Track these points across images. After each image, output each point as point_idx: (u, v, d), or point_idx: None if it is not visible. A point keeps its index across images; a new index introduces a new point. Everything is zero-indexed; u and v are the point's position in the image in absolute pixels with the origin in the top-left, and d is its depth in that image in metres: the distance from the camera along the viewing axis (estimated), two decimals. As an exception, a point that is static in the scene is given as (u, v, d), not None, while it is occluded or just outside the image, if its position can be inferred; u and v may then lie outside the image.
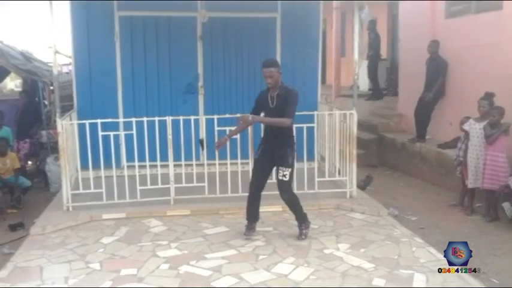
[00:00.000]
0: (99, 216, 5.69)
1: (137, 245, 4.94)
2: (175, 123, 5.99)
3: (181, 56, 7.48)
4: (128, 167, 6.14)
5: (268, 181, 5.12)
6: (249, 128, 5.80)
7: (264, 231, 5.26)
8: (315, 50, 7.73)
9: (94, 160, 5.94)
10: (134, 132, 5.90)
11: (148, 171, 5.98)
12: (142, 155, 6.02)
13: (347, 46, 14.42)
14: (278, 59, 7.53)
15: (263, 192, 5.09)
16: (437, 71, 8.18)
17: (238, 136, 5.91)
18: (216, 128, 6.04)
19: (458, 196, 6.69)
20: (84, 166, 6.11)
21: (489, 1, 7.35)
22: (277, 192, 4.98)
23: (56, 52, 6.09)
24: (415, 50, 8.93)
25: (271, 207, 5.74)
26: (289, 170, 4.87)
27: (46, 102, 10.56)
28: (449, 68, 8.19)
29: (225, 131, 5.97)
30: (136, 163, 6.04)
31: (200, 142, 6.41)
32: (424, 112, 8.42)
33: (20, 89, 11.18)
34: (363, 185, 7.29)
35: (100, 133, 5.85)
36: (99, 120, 5.88)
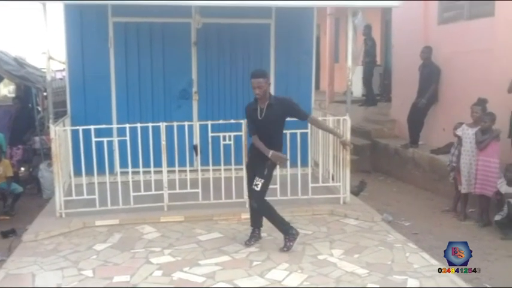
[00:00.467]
0: (92, 223, 5.66)
1: (130, 251, 4.92)
2: (169, 129, 5.98)
3: (175, 61, 7.48)
4: (121, 173, 6.12)
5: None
6: (243, 135, 5.82)
7: (257, 237, 5.25)
8: (308, 56, 7.75)
9: (87, 166, 5.91)
10: (128, 138, 5.89)
11: (141, 177, 5.96)
12: (136, 161, 6.00)
13: (341, 52, 14.48)
14: (272, 64, 7.60)
15: None
16: (430, 77, 8.22)
17: (232, 142, 5.92)
18: (210, 134, 6.04)
19: (452, 202, 6.72)
20: (77, 172, 6.09)
21: (482, 8, 7.42)
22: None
23: (50, 58, 6.06)
24: (408, 56, 8.98)
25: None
26: (262, 181, 4.77)
27: (39, 108, 10.51)
28: (442, 73, 8.24)
29: (218, 137, 5.99)
30: (130, 169, 6.01)
31: (194, 148, 6.41)
32: (417, 118, 8.46)
33: (13, 95, 11.15)
34: (356, 191, 7.31)
35: (93, 139, 5.83)
36: (92, 126, 5.87)
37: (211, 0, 6.03)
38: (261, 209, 4.93)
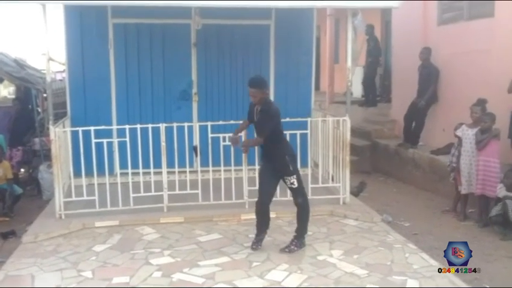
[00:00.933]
0: (92, 224, 5.66)
1: (130, 252, 4.92)
2: (169, 130, 5.98)
3: (175, 62, 7.48)
4: (121, 174, 6.12)
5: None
6: (243, 136, 5.81)
7: (257, 238, 5.24)
8: (308, 57, 7.75)
9: (87, 167, 5.91)
10: (127, 139, 5.89)
11: (141, 178, 5.96)
12: (136, 162, 6.00)
13: (341, 53, 14.47)
14: (272, 65, 7.60)
15: (256, 199, 5.04)
16: (428, 78, 8.23)
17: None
18: (210, 135, 6.04)
19: (451, 202, 6.71)
20: (77, 173, 6.09)
21: (481, 8, 7.42)
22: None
23: (50, 59, 6.06)
24: (408, 56, 8.98)
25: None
26: (294, 176, 4.83)
27: (39, 110, 10.53)
28: (441, 74, 8.24)
29: (218, 137, 5.99)
30: (130, 170, 6.01)
31: (194, 149, 6.40)
32: (416, 118, 8.47)
33: (13, 97, 11.16)
34: (356, 192, 7.30)
35: (93, 140, 5.83)
36: (92, 128, 5.87)
37: (211, 1, 6.03)
38: (305, 204, 4.97)
